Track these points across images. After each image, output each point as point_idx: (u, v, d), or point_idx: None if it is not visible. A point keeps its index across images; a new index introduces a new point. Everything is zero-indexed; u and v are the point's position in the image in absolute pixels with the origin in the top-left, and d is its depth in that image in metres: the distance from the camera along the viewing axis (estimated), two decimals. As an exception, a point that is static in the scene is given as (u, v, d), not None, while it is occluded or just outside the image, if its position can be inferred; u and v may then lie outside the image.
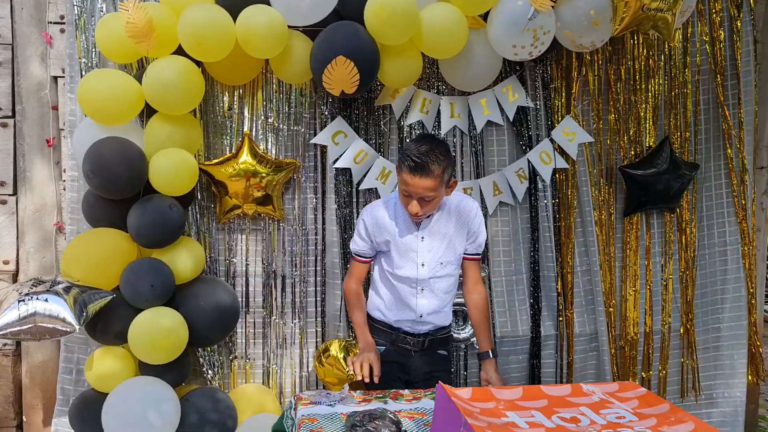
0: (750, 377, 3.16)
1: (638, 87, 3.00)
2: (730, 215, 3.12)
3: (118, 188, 2.37)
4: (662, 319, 3.11)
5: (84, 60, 2.65)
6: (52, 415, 2.75)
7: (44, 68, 2.78)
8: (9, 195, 2.79)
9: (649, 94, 3.02)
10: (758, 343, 3.15)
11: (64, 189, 2.75)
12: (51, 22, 2.77)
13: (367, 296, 2.38)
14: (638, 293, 3.09)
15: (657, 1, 2.37)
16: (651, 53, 3.00)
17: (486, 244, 2.91)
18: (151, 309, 2.40)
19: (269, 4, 2.44)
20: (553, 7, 2.45)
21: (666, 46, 3.01)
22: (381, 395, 2.11)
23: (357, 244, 2.27)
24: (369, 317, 2.32)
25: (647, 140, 3.04)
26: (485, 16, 2.59)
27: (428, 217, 2.16)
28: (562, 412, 1.62)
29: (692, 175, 2.99)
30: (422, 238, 2.17)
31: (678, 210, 3.10)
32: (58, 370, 2.74)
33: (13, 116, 2.78)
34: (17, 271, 2.82)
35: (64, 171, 2.76)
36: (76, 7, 2.62)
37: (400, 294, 2.20)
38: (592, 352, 3.07)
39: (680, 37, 3.01)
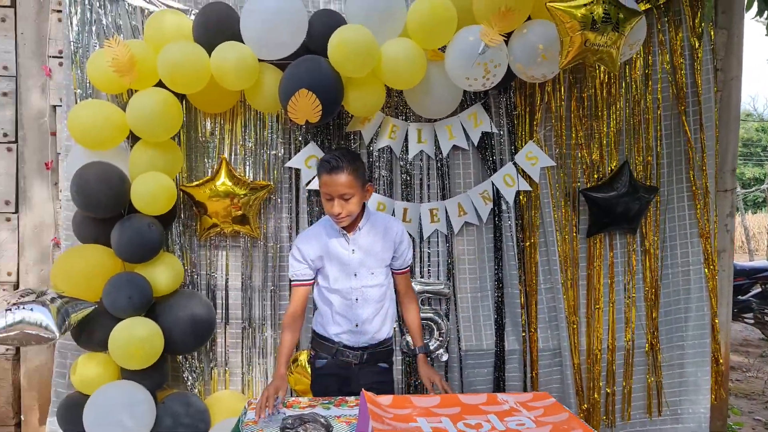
0: (714, 398, 3.24)
1: (600, 113, 3.14)
2: (693, 236, 3.22)
3: (99, 208, 2.62)
4: (625, 336, 3.23)
5: (79, 90, 2.90)
6: (48, 415, 3.00)
7: (44, 98, 3.06)
8: (12, 213, 3.06)
9: (611, 120, 3.15)
10: (721, 360, 3.23)
11: (61, 208, 3.01)
12: (50, 56, 3.05)
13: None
14: (601, 311, 3.22)
15: (600, 37, 2.51)
16: (612, 81, 3.14)
17: (451, 262, 3.11)
18: (129, 319, 2.62)
19: (242, 41, 2.66)
20: (505, 41, 2.63)
21: (627, 75, 3.15)
22: (326, 401, 2.29)
23: (294, 268, 2.41)
24: (313, 333, 2.50)
25: (609, 164, 3.17)
26: (445, 48, 2.77)
27: (356, 230, 2.34)
28: (469, 419, 1.78)
29: (650, 197, 3.11)
30: (353, 250, 2.36)
31: (642, 230, 3.22)
32: (52, 374, 2.98)
33: (16, 141, 3.06)
34: (18, 282, 3.09)
35: (61, 191, 3.02)
36: (72, 43, 2.88)
37: (337, 306, 2.38)
38: (555, 366, 3.20)
39: (641, 65, 3.15)
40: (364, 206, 2.37)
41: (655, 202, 3.21)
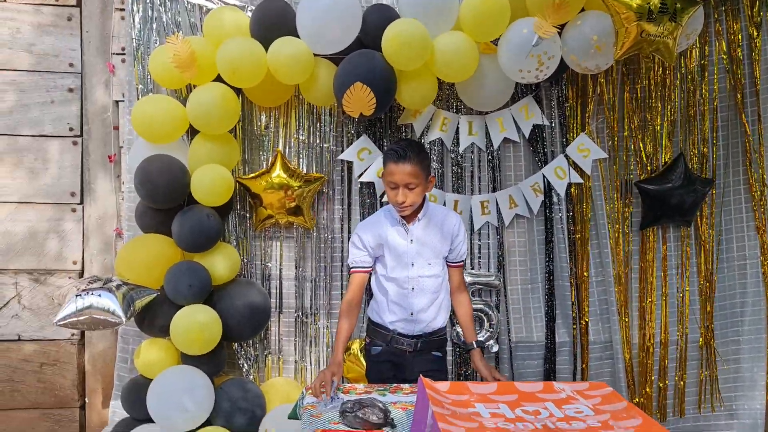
0: (770, 392, 3.19)
1: (653, 105, 3.11)
2: (750, 229, 3.16)
3: (160, 199, 2.72)
4: (678, 330, 3.19)
5: (141, 86, 3.00)
6: (110, 398, 3.13)
7: (107, 94, 3.18)
8: (77, 204, 3.19)
9: (666, 112, 3.12)
10: (778, 357, 3.17)
11: (123, 199, 3.13)
12: (114, 53, 3.16)
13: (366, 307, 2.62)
14: (654, 304, 3.19)
15: (656, 28, 2.49)
16: (667, 72, 3.10)
17: (502, 254, 3.12)
18: (189, 306, 2.72)
19: (298, 36, 2.72)
20: (559, 33, 2.62)
21: (682, 66, 3.10)
22: (382, 388, 2.34)
23: (353, 255, 2.48)
24: (369, 321, 2.56)
25: (663, 156, 3.14)
26: (498, 41, 2.78)
27: (415, 220, 2.40)
28: (526, 406, 1.80)
29: (706, 190, 3.06)
30: (411, 241, 2.41)
31: (696, 223, 3.17)
32: (115, 358, 3.11)
33: (81, 135, 3.18)
34: (83, 270, 3.22)
35: (123, 183, 3.14)
36: (134, 40, 2.98)
37: (392, 295, 2.42)
38: (607, 359, 3.18)
39: (697, 55, 3.10)
40: (424, 198, 2.42)
41: (711, 195, 3.16)
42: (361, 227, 2.50)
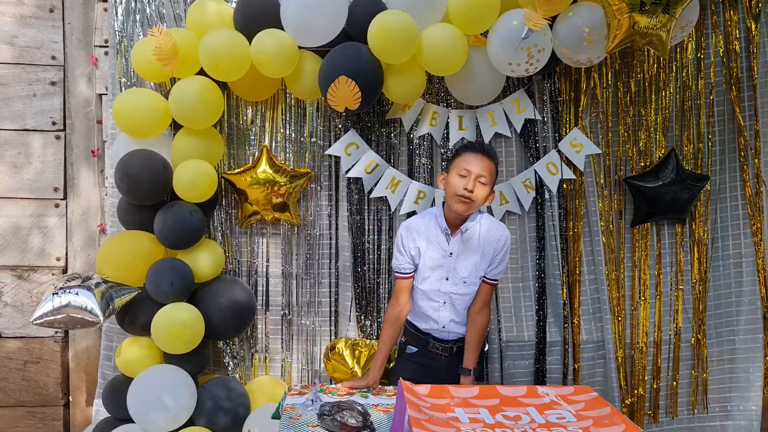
0: (765, 395, 3.12)
1: (648, 99, 3.04)
2: (746, 227, 3.10)
3: (142, 195, 2.66)
4: (671, 329, 3.13)
5: (124, 79, 2.95)
6: (94, 396, 3.08)
7: (91, 87, 3.12)
8: (60, 199, 3.14)
9: (660, 106, 3.05)
10: (774, 357, 3.11)
11: (106, 195, 3.07)
12: (96, 46, 3.10)
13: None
14: (647, 303, 3.12)
15: (649, 20, 2.42)
16: (662, 66, 3.03)
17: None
18: (171, 304, 2.66)
19: (282, 28, 2.66)
20: (550, 25, 2.56)
21: (678, 59, 3.03)
22: (365, 389, 2.29)
23: (396, 259, 2.38)
24: (407, 321, 2.47)
25: (658, 152, 3.07)
26: (488, 34, 2.71)
27: (459, 232, 2.29)
28: (508, 411, 1.75)
29: (700, 186, 2.99)
30: (450, 253, 2.30)
31: (691, 221, 3.11)
32: (99, 356, 3.06)
33: (64, 129, 3.12)
34: (66, 266, 3.16)
35: (106, 179, 3.08)
36: (117, 32, 2.92)
37: (423, 308, 2.36)
38: (599, 359, 3.12)
39: (692, 48, 3.03)
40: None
41: (706, 192, 3.09)
42: (406, 228, 2.37)
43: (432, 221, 2.34)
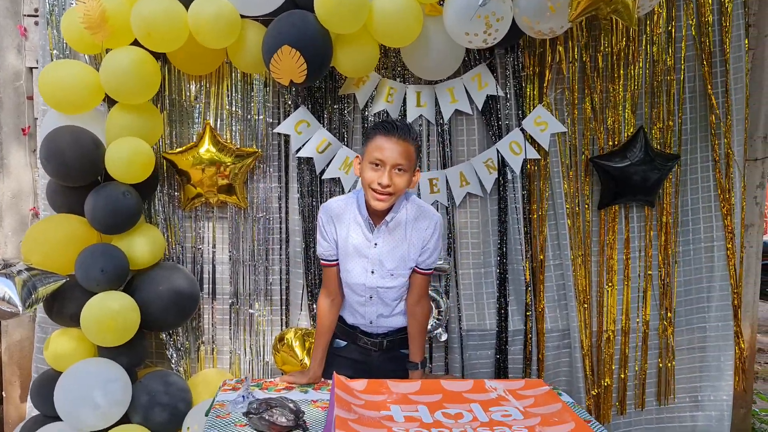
0: (737, 384, 3.00)
1: (616, 74, 2.88)
2: (717, 209, 2.96)
3: (71, 175, 2.45)
4: (639, 316, 2.99)
5: (56, 51, 2.73)
6: (29, 392, 2.88)
7: (20, 59, 2.90)
8: (-11, 181, 2.92)
9: (629, 82, 2.89)
10: (743, 345, 2.98)
11: (39, 176, 2.86)
12: (26, 15, 2.87)
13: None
14: (615, 289, 2.98)
15: (614, -15, 2.26)
16: (631, 39, 2.87)
17: (452, 236, 2.89)
18: (102, 293, 2.47)
19: (223, -6, 2.45)
20: (509, -8, 2.38)
21: (648, 32, 2.87)
22: (306, 384, 2.13)
23: (320, 245, 2.15)
24: None
25: (626, 130, 2.91)
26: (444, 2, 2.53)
27: (384, 222, 2.04)
28: (449, 408, 1.59)
29: (670, 166, 2.84)
30: (375, 244, 2.06)
31: (659, 203, 2.96)
32: (33, 348, 2.86)
33: (-8, 105, 2.91)
34: (-3, 253, 2.96)
35: (38, 159, 2.86)
36: (47, 1, 2.70)
37: (349, 301, 2.17)
38: (564, 349, 2.99)
39: (664, 20, 2.87)
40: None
41: (675, 173, 2.94)
42: (325, 211, 2.10)
43: (353, 205, 2.09)
